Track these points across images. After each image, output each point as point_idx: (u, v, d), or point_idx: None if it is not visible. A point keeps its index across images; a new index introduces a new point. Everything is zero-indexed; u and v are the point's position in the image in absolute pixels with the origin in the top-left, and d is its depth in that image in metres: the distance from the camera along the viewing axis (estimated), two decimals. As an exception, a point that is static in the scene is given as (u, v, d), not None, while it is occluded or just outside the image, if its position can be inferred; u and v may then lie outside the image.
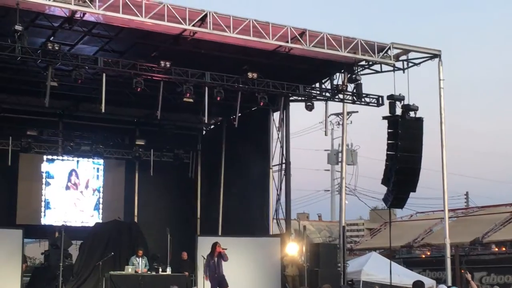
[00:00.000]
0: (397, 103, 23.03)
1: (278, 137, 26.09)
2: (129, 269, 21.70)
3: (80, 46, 20.94)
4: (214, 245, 19.74)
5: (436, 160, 24.13)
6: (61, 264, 22.17)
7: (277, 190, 25.99)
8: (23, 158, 26.60)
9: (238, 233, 25.01)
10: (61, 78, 20.55)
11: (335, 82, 23.67)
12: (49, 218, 26.81)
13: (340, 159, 27.00)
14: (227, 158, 28.16)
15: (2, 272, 18.26)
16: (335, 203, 44.77)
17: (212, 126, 30.40)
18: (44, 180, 26.95)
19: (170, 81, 20.98)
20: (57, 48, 18.61)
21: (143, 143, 27.92)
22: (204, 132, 30.91)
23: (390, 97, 23.04)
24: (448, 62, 25.61)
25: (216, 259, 19.58)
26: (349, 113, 32.88)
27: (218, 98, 21.31)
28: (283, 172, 25.87)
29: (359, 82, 22.90)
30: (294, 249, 24.23)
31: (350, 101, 23.74)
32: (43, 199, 26.85)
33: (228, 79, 21.43)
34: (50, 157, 27.14)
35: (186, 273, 22.81)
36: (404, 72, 23.47)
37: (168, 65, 20.27)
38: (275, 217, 25.89)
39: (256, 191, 26.42)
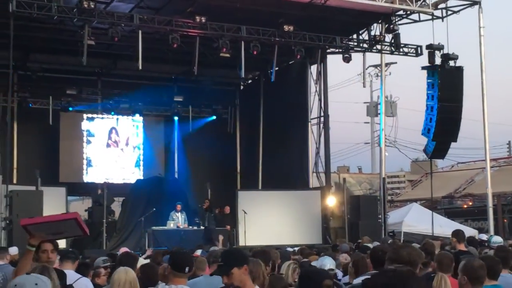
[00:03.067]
0: (436, 52, 22.69)
1: (316, 90, 25.95)
2: (170, 224, 21.96)
3: (116, 3, 20.91)
4: None
5: (477, 110, 23.83)
6: (104, 220, 22.57)
7: (316, 144, 25.93)
8: (63, 117, 26.88)
9: (278, 186, 25.11)
10: (98, 37, 20.61)
11: (372, 33, 23.34)
12: (91, 176, 27.17)
13: (379, 111, 26.70)
14: (265, 113, 28.11)
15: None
16: (375, 156, 44.52)
17: (249, 81, 30.32)
18: (85, 139, 27.26)
19: (206, 37, 20.92)
20: (92, 6, 18.66)
21: (181, 100, 28.00)
22: (241, 87, 30.86)
23: (429, 46, 22.70)
24: (488, 9, 25.06)
25: None
26: (387, 64, 32.62)
27: (255, 52, 21.21)
28: (321, 125, 25.77)
29: (397, 32, 22.58)
30: (334, 202, 24.27)
31: (388, 52, 23.47)
32: (84, 157, 27.19)
33: (264, 33, 21.29)
34: (90, 115, 27.40)
35: (228, 227, 23.01)
36: (443, 21, 23.07)
37: (203, 20, 20.18)
38: (314, 170, 25.89)
39: (295, 145, 26.40)
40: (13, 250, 14.08)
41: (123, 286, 6.12)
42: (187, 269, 6.07)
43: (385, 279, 4.07)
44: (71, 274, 7.96)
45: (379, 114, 26.41)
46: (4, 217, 18.06)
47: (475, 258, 6.45)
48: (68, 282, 7.81)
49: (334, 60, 25.01)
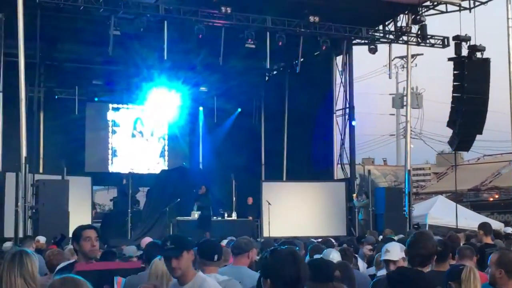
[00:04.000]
0: (463, 44, 22.51)
1: (342, 81, 25.83)
2: (195, 215, 22.02)
3: (142, -6, 20.97)
4: None
5: (504, 102, 23.59)
6: (129, 210, 22.72)
7: (341, 135, 25.84)
8: (89, 107, 27.03)
9: (303, 178, 25.09)
10: (124, 27, 20.66)
11: (399, 24, 23.19)
12: (116, 166, 27.33)
13: (405, 103, 26.49)
14: (290, 104, 28.05)
15: (74, 219, 18.73)
16: (401, 148, 44.31)
17: (274, 72, 30.24)
18: (110, 129, 27.41)
19: (231, 27, 20.89)
20: (118, -4, 18.73)
21: (206, 90, 28.02)
22: (266, 78, 30.80)
23: (456, 38, 22.52)
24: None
25: None
26: (413, 55, 32.39)
27: (280, 43, 21.16)
28: (347, 116, 25.67)
29: (423, 23, 22.42)
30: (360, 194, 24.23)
31: (415, 43, 23.30)
32: (110, 147, 27.35)
33: (290, 24, 21.24)
34: (115, 105, 27.52)
35: (250, 218, 23.04)
36: (470, 12, 22.82)
37: (229, 11, 20.18)
38: (339, 162, 25.82)
39: (320, 136, 26.34)
40: (42, 239, 14.25)
41: (161, 277, 6.10)
42: (216, 257, 6.11)
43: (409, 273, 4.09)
44: None
45: (405, 106, 26.20)
46: (30, 206, 18.20)
47: (510, 251, 6.37)
48: None
49: (359, 51, 24.89)
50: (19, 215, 18.13)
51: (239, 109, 29.15)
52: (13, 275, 4.75)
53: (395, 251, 6.29)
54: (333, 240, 12.53)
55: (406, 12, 22.92)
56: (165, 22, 19.99)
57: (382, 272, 6.88)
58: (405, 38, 23.25)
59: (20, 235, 17.29)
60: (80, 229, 6.24)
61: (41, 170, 22.85)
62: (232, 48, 22.38)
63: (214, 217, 22.39)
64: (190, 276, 5.23)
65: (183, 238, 5.54)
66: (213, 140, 28.92)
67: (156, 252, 7.85)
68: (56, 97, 25.94)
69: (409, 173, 24.59)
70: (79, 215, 20.47)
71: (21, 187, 18.24)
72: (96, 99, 26.60)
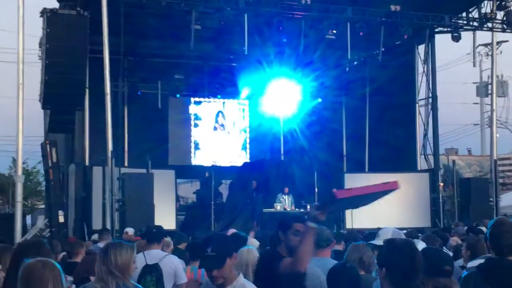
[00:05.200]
0: (551, 29, 21.82)
1: (424, 70, 25.43)
2: (277, 207, 22.07)
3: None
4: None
5: None
6: (212, 203, 22.93)
7: (424, 125, 25.45)
8: (171, 101, 27.35)
9: (385, 169, 24.81)
10: (205, 21, 20.87)
11: (483, 11, 22.63)
12: (198, 159, 27.58)
13: (490, 91, 25.89)
14: (372, 94, 27.78)
15: (158, 211, 19.10)
16: (485, 137, 43.31)
17: (355, 62, 29.98)
18: (192, 122, 27.67)
19: (311, 18, 20.81)
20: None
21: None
22: (347, 68, 30.55)
23: (544, 23, 21.85)
24: None
25: None
26: (498, 42, 31.45)
27: (361, 33, 20.97)
28: (429, 106, 25.26)
29: (509, 9, 21.83)
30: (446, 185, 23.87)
31: (500, 30, 22.73)
32: (192, 141, 27.61)
33: (370, 13, 21.00)
34: (197, 99, 27.81)
35: (334, 210, 22.89)
36: (558, -4, 22.12)
37: (309, 2, 20.11)
38: (422, 152, 25.45)
39: (403, 127, 26.00)
40: (131, 230, 14.56)
41: (246, 268, 6.13)
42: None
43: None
44: (157, 253, 8.20)
45: (490, 94, 25.59)
46: (117, 199, 18.60)
47: None
48: (153, 262, 8.03)
49: (441, 39, 24.41)
50: (107, 208, 18.56)
51: (319, 99, 28.99)
52: (100, 264, 5.16)
53: (387, 237, 5.90)
54: (418, 233, 12.33)
55: (491, -2, 22.39)
56: (245, 15, 20.07)
57: (472, 264, 6.72)
58: (489, 25, 22.70)
59: (108, 227, 17.67)
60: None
61: (126, 164, 23.27)
62: (312, 39, 22.32)
63: (297, 209, 22.38)
64: (229, 280, 4.75)
65: (226, 241, 4.94)
66: (294, 132, 28.85)
67: (239, 242, 7.92)
68: (139, 92, 26.38)
69: (495, 163, 24.04)
70: (164, 207, 20.82)
71: (107, 180, 18.66)
72: (178, 94, 26.92)
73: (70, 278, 4.93)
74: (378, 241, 6.65)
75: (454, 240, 11.11)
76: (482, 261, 5.58)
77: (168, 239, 10.33)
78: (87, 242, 14.28)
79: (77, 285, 6.17)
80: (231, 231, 11.00)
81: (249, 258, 6.26)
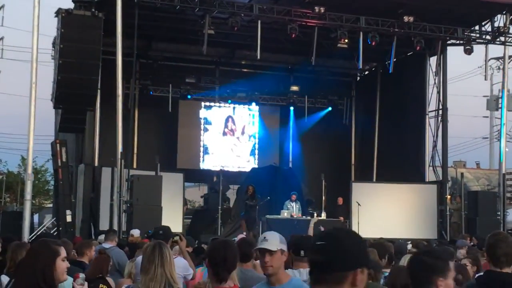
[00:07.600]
0: None
1: (435, 82, 25.41)
2: (284, 213, 22.06)
3: (236, -7, 21.21)
4: None
5: None
6: (219, 207, 22.94)
7: (434, 137, 25.43)
8: (182, 105, 27.44)
9: (393, 179, 24.82)
10: (218, 26, 20.96)
11: (496, 24, 22.65)
12: (207, 163, 27.65)
13: (500, 105, 25.86)
14: (382, 104, 27.79)
15: (166, 214, 19.11)
16: (494, 151, 43.21)
17: (366, 72, 30.01)
18: (202, 126, 27.75)
19: (324, 27, 20.88)
20: (213, -4, 19.00)
21: (297, 90, 28.07)
22: (358, 78, 30.60)
23: (556, 39, 21.83)
24: None
25: None
26: (510, 56, 31.41)
27: (373, 43, 21.02)
28: (439, 118, 25.24)
29: (522, 23, 21.84)
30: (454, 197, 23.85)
31: (512, 44, 22.71)
32: (201, 145, 27.69)
33: (383, 23, 21.07)
34: (207, 103, 27.89)
35: (341, 218, 22.92)
36: None
37: (322, 10, 20.19)
38: (431, 164, 25.42)
39: (412, 138, 25.98)
40: (136, 232, 14.59)
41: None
42: (302, 252, 5.92)
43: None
44: None
45: (500, 108, 25.56)
46: (125, 200, 18.64)
47: None
48: None
49: (453, 52, 24.40)
50: (114, 209, 18.62)
51: (329, 108, 29.05)
52: (153, 265, 5.17)
53: (274, 241, 5.69)
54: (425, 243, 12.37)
55: (504, 12, 22.36)
56: (259, 21, 20.15)
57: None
58: (502, 38, 22.70)
59: (115, 228, 17.69)
60: None
61: (134, 166, 23.32)
62: (325, 47, 22.38)
63: (303, 217, 22.39)
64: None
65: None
66: (304, 140, 28.90)
67: (248, 247, 7.95)
68: (151, 93, 26.46)
69: (504, 177, 24.01)
70: (171, 210, 20.83)
71: (116, 181, 18.72)
72: (189, 96, 26.98)
73: (82, 275, 4.93)
74: None
75: (462, 254, 11.08)
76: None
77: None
78: (93, 242, 14.32)
79: (90, 283, 6.17)
80: (241, 236, 11.05)
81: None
